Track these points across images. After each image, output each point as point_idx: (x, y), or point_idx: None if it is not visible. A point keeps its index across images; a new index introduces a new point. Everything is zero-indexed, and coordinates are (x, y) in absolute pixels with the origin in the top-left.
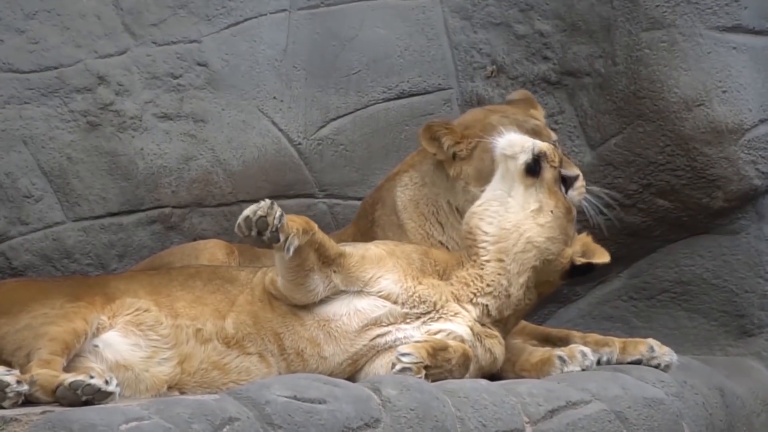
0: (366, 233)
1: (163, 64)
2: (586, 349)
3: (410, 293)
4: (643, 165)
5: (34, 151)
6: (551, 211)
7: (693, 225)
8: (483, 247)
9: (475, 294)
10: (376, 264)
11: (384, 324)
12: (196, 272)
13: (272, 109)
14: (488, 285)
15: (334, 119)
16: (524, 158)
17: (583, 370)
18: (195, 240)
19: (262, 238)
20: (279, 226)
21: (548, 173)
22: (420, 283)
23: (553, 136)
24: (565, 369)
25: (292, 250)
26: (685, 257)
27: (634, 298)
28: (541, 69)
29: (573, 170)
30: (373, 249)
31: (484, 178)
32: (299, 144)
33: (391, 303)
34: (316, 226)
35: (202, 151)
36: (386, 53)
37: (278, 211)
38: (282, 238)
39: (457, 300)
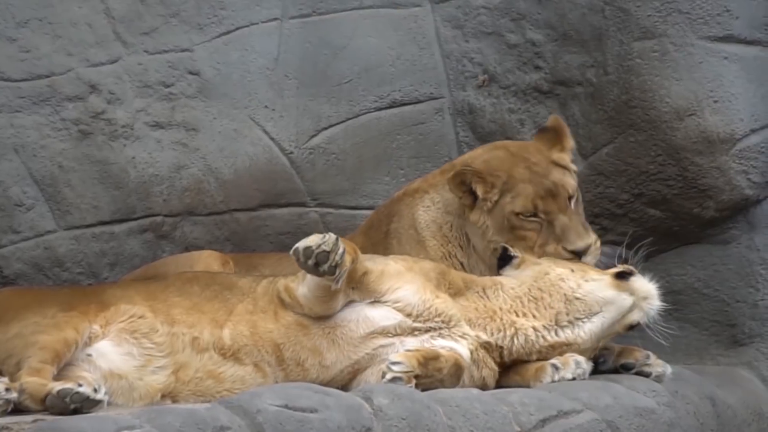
0: (378, 244)
1: (154, 73)
2: (580, 358)
3: (427, 305)
4: (634, 175)
5: (25, 159)
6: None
7: (684, 235)
8: (548, 324)
9: (493, 331)
10: (395, 276)
11: (390, 335)
12: (194, 277)
13: (264, 118)
14: (521, 342)
15: (325, 128)
16: (638, 318)
17: (573, 378)
18: (186, 249)
19: (318, 269)
20: (339, 262)
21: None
22: (437, 297)
23: (573, 167)
24: (557, 376)
25: (341, 282)
26: (677, 267)
27: None
28: (533, 78)
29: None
30: (393, 265)
31: (501, 232)
32: (291, 153)
33: (403, 315)
34: (359, 253)
35: (194, 159)
36: (378, 62)
37: (341, 248)
38: (338, 272)
39: (471, 324)
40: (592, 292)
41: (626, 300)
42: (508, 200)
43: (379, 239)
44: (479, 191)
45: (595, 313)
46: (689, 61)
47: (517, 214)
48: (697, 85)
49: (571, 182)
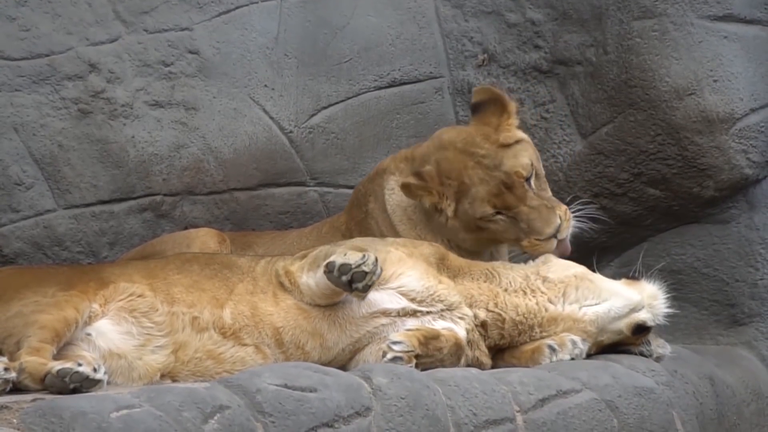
0: (360, 224)
1: (154, 52)
2: (577, 338)
3: (431, 291)
4: (634, 154)
5: (25, 138)
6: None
7: (684, 214)
8: (555, 297)
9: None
10: (397, 262)
11: (392, 315)
12: (193, 257)
13: (263, 97)
14: (524, 312)
15: (325, 107)
16: (646, 318)
17: (572, 358)
18: (186, 228)
19: (350, 285)
20: (374, 282)
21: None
22: (440, 282)
23: (523, 136)
24: (555, 358)
25: (366, 297)
26: (676, 246)
27: None
28: (533, 58)
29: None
30: (394, 252)
31: (470, 232)
32: (290, 132)
33: (407, 300)
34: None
35: (194, 139)
36: (377, 41)
37: (379, 269)
38: (369, 291)
39: (470, 304)
40: (603, 280)
41: (635, 295)
42: (467, 206)
43: (361, 218)
44: (427, 204)
45: (604, 300)
46: (689, 40)
47: (480, 218)
48: (697, 64)
49: (524, 161)
